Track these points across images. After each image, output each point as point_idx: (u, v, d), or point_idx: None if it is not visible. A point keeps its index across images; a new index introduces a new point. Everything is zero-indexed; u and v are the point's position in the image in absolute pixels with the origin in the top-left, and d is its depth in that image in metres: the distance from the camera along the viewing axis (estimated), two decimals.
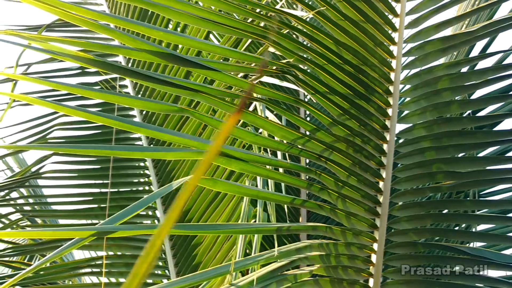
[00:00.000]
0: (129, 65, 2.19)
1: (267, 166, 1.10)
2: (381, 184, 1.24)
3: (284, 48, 1.14)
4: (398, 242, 1.24)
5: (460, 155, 1.48)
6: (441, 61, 1.53)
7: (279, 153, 1.28)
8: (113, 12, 2.38)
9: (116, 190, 2.13)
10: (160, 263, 1.97)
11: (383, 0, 1.28)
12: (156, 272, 2.04)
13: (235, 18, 1.08)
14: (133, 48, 0.93)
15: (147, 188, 2.18)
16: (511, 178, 1.27)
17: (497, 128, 1.73)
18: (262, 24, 1.11)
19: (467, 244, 1.55)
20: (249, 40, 1.51)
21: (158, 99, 1.99)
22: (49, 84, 0.97)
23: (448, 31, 1.58)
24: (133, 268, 0.28)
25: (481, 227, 2.25)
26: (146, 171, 2.16)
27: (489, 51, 1.92)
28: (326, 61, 1.19)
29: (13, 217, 2.20)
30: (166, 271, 1.94)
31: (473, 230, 1.68)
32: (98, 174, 2.15)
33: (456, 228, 1.81)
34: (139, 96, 2.16)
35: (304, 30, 1.18)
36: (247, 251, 1.34)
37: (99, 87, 2.26)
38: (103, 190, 2.13)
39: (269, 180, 1.31)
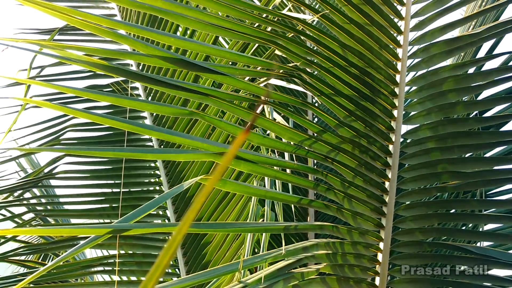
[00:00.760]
0: (140, 68, 2.23)
1: (275, 167, 1.12)
2: (386, 184, 1.26)
3: (291, 52, 1.16)
4: (404, 241, 1.25)
5: (466, 155, 1.49)
6: (447, 62, 1.54)
7: (286, 154, 1.30)
8: (123, 15, 2.42)
9: (127, 190, 2.17)
10: (171, 262, 2.00)
11: (388, 3, 1.30)
12: (166, 270, 2.07)
13: (243, 23, 1.10)
14: (145, 54, 0.95)
15: (157, 188, 2.22)
16: None
17: (503, 128, 1.74)
18: (269, 28, 1.13)
19: (474, 244, 1.56)
20: (256, 44, 1.54)
21: (168, 102, 2.02)
22: (61, 88, 1.00)
23: (455, 33, 1.59)
24: (157, 260, 0.31)
25: (488, 226, 2.25)
26: (157, 172, 2.20)
27: (495, 52, 1.93)
28: (332, 64, 1.21)
29: (26, 217, 2.25)
30: (177, 269, 1.98)
31: (480, 229, 1.69)
32: (109, 175, 2.19)
33: (463, 227, 1.82)
34: (150, 98, 2.20)
35: (310, 33, 1.20)
36: (255, 250, 1.37)
37: (111, 89, 2.30)
38: (115, 190, 2.17)
39: (276, 181, 1.33)
